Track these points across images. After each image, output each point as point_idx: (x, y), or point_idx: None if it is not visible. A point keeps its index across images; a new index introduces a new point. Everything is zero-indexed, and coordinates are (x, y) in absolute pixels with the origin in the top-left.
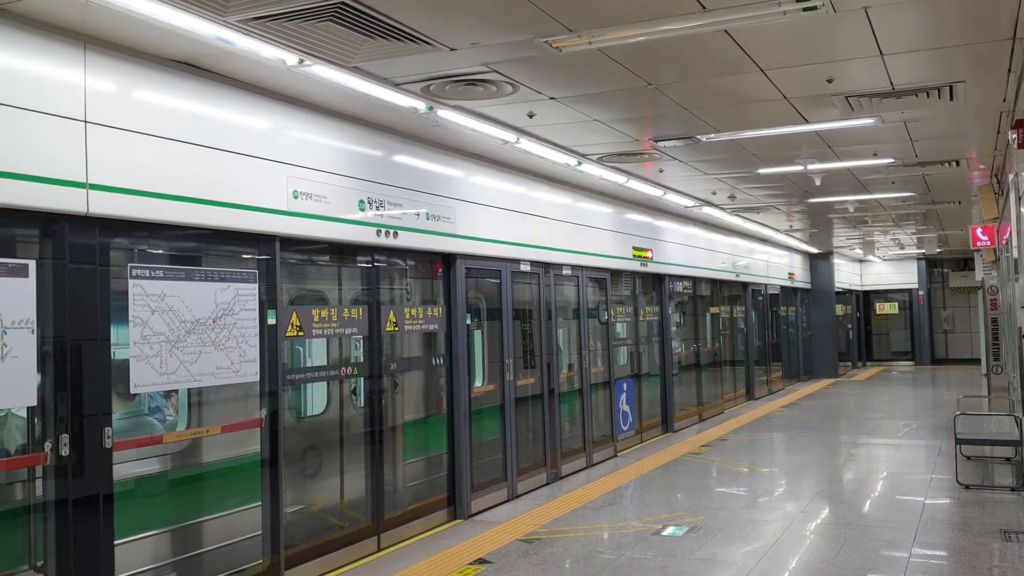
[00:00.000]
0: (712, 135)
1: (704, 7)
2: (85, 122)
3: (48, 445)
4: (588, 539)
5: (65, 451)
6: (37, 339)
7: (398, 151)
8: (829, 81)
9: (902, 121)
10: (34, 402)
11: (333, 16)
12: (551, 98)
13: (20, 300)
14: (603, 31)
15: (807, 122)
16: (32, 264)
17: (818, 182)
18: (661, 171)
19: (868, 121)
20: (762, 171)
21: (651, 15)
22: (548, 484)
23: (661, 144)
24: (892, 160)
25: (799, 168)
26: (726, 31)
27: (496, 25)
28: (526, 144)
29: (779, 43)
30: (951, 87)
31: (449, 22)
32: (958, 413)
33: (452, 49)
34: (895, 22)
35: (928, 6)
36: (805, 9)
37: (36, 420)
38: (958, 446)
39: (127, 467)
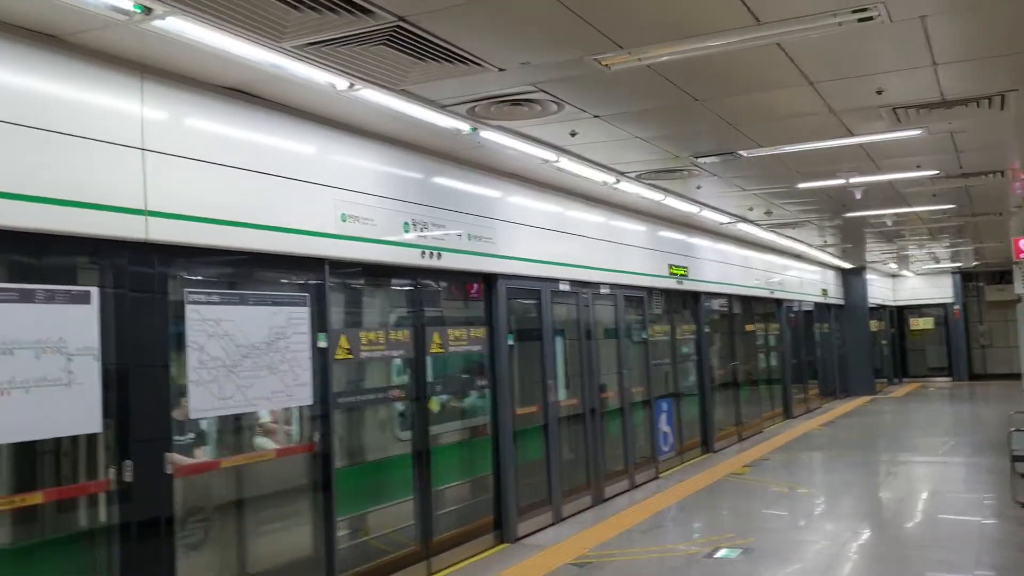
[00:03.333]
0: (754, 150)
1: (758, 20)
2: (143, 150)
3: (111, 471)
4: (640, 563)
5: (128, 477)
6: (100, 365)
7: (439, 173)
8: (879, 92)
9: (948, 132)
10: (99, 428)
11: (387, 40)
12: (595, 116)
13: (84, 327)
14: (654, 47)
15: (852, 135)
16: (94, 291)
17: (859, 196)
18: (699, 188)
19: (915, 132)
20: (801, 186)
21: (704, 30)
22: (592, 507)
23: (701, 160)
24: (936, 172)
25: (840, 182)
26: (778, 44)
27: (547, 44)
28: (566, 163)
29: (830, 55)
30: (1003, 96)
31: (500, 42)
32: (1013, 430)
33: (501, 69)
34: (951, 30)
35: (986, 13)
36: (861, 20)
37: (99, 446)
38: (1014, 463)
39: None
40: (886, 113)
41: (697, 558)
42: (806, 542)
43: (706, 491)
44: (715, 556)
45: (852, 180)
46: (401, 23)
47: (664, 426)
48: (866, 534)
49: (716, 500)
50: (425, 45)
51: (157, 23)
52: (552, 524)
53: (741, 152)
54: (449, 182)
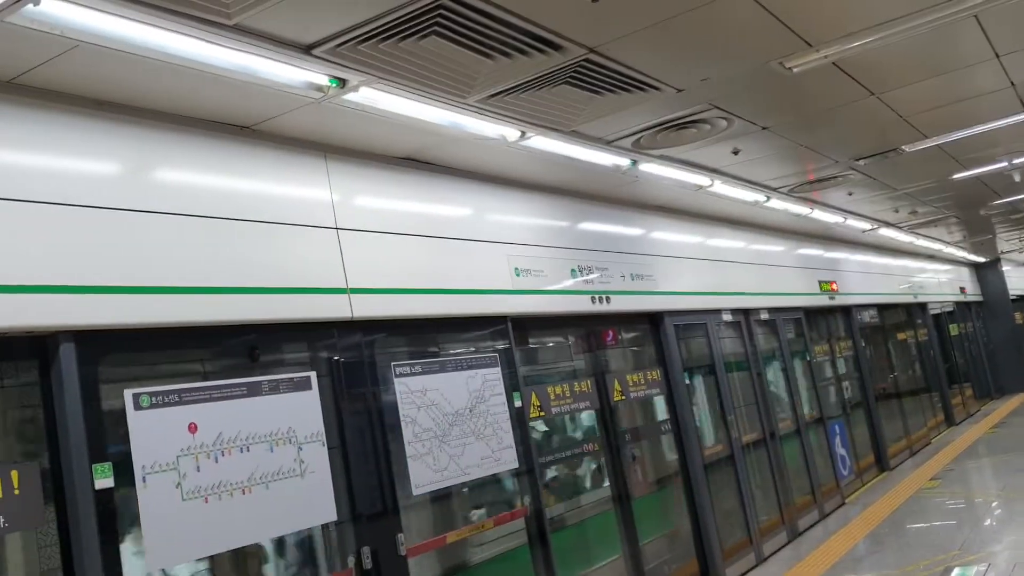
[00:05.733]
0: (917, 143)
1: None
2: (336, 229)
3: (351, 560)
4: None
5: (368, 564)
6: (327, 451)
7: (595, 215)
8: None
9: None
10: (334, 517)
11: (570, 77)
12: (764, 128)
13: (309, 413)
14: (843, 40)
15: None
16: (313, 376)
17: (1018, 178)
18: (850, 194)
19: None
20: (956, 176)
21: (902, 11)
22: (789, 543)
23: (860, 162)
24: None
25: (1001, 165)
26: (976, 16)
27: (732, 54)
28: (719, 187)
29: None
30: None
31: (684, 61)
32: None
33: (679, 90)
34: None
35: None
36: None
37: (334, 534)
38: None
39: None
40: None
41: None
42: None
43: (903, 511)
44: None
45: (1015, 161)
46: (590, 55)
47: (839, 448)
48: None
49: (919, 518)
50: (606, 76)
51: (348, 96)
52: (756, 566)
53: (903, 147)
54: (605, 223)
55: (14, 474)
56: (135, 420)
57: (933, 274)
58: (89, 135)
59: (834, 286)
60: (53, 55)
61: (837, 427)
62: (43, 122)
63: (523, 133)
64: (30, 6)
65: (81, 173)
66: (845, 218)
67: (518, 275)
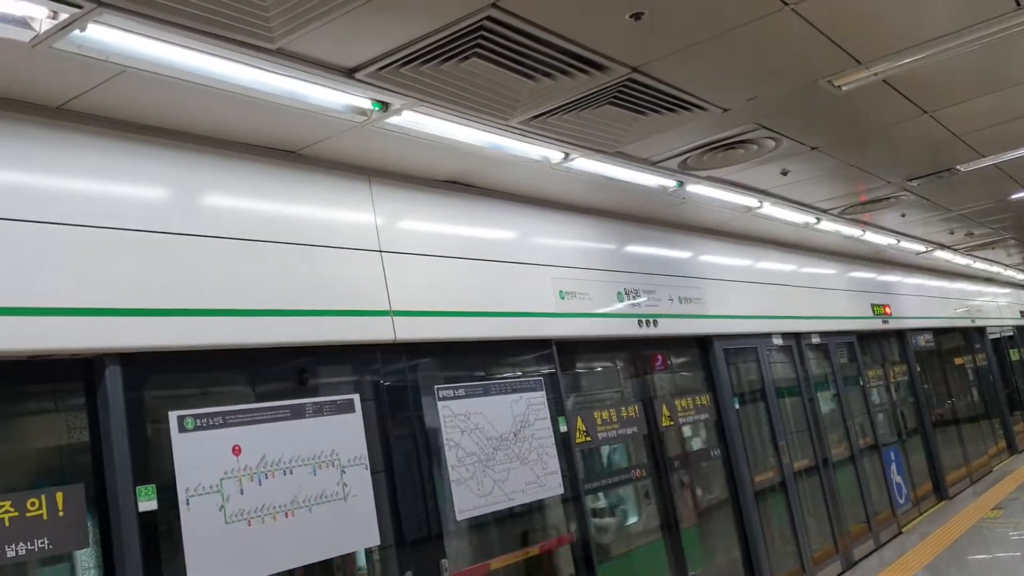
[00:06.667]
0: (973, 162)
1: (1019, 3)
2: (380, 252)
3: None
4: None
5: None
6: (370, 474)
7: (641, 237)
8: None
9: None
10: (378, 541)
11: (613, 97)
12: (813, 148)
13: (352, 436)
14: (894, 56)
15: None
16: (356, 399)
17: None
18: (903, 215)
19: None
20: (1015, 196)
21: (953, 26)
22: (843, 573)
23: (913, 183)
24: None
25: None
26: None
27: (779, 72)
28: (768, 208)
29: None
30: None
31: (730, 79)
32: None
33: (725, 110)
34: None
35: None
36: None
37: (375, 559)
38: None
39: None
40: None
41: None
42: None
43: (963, 542)
44: None
45: None
46: (634, 74)
47: (895, 476)
48: None
49: (981, 550)
50: (650, 96)
51: (391, 120)
52: None
53: (958, 167)
54: (652, 245)
55: (59, 496)
56: (179, 442)
57: (991, 297)
58: (136, 160)
59: (887, 309)
60: (100, 81)
61: (892, 454)
62: (91, 147)
63: (567, 155)
64: (77, 32)
65: (128, 198)
66: (898, 240)
67: (563, 298)
